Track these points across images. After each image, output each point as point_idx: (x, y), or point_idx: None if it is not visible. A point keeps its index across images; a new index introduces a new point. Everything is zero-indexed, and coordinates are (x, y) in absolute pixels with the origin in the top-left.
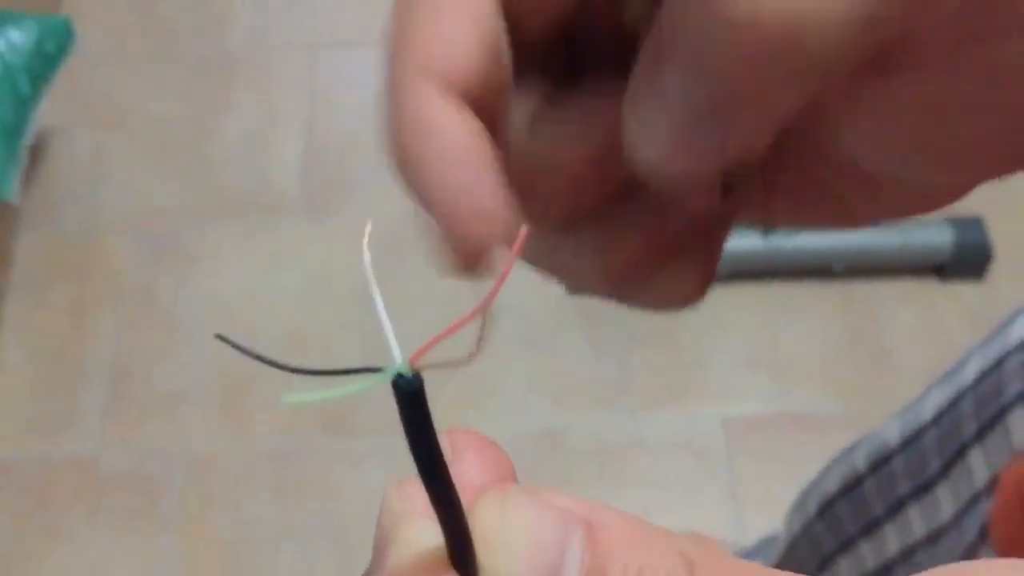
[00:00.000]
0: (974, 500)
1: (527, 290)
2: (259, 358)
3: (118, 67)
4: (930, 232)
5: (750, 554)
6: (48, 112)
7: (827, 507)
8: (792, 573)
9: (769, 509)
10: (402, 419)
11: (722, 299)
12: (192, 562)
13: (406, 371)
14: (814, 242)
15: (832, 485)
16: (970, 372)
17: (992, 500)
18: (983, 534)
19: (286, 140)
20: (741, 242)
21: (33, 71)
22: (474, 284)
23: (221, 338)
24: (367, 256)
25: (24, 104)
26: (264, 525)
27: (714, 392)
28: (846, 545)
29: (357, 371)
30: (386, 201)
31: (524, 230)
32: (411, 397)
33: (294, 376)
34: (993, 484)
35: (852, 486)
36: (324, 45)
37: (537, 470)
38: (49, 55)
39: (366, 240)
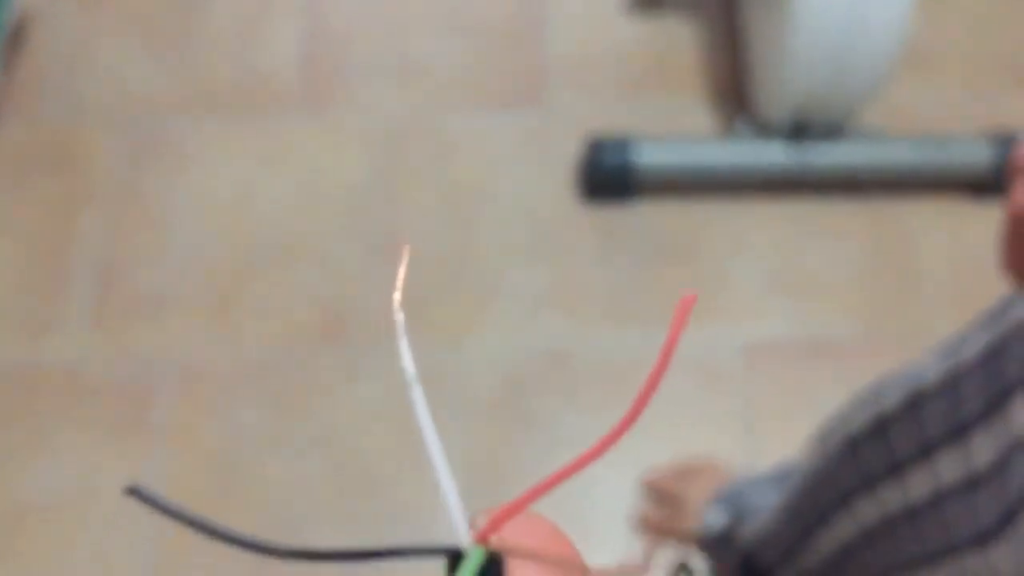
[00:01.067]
0: (1015, 449)
1: (537, 195)
2: (251, 546)
3: None
4: (966, 148)
5: (766, 483)
6: None
7: (852, 446)
8: None
9: (784, 435)
10: None
11: (745, 216)
12: (180, 473)
13: (478, 557)
14: (843, 155)
15: (858, 425)
16: (1017, 314)
17: None
18: None
19: (282, 29)
20: (765, 153)
21: None
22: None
23: (133, 492)
24: (410, 368)
25: None
26: (254, 435)
27: (733, 313)
28: (868, 484)
29: (412, 552)
30: (388, 97)
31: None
32: None
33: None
34: None
35: (880, 426)
36: None
37: (542, 385)
38: None
39: (400, 319)
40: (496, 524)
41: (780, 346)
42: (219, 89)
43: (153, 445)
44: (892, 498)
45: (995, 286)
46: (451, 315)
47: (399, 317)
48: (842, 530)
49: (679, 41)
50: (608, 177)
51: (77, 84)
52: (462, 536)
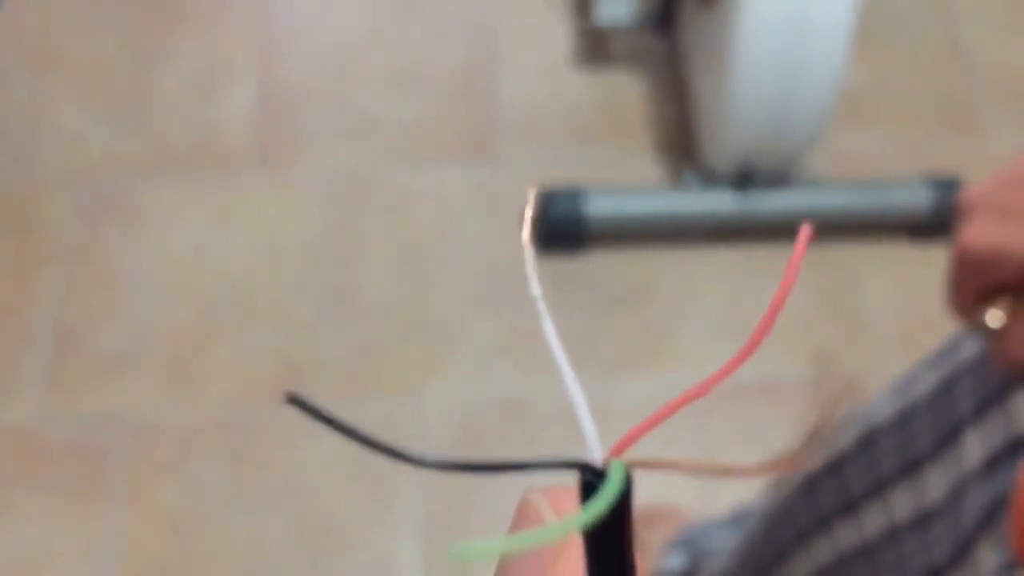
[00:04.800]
0: (967, 483)
1: (491, 247)
2: (390, 451)
3: (56, 8)
4: (906, 193)
5: (724, 526)
6: None
7: (808, 485)
8: None
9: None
10: (590, 536)
11: (693, 262)
12: (139, 535)
13: (620, 473)
14: (787, 202)
15: (814, 463)
16: (966, 352)
17: (990, 486)
18: (982, 525)
19: (235, 87)
20: (713, 202)
21: None
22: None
23: (293, 401)
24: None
25: None
26: (214, 496)
27: (684, 359)
28: (824, 523)
29: (542, 465)
30: (341, 153)
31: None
32: (617, 502)
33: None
34: (990, 469)
35: (834, 464)
36: None
37: (501, 436)
38: None
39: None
40: (629, 441)
41: (731, 390)
42: (174, 149)
43: (112, 506)
44: (847, 536)
45: (939, 327)
46: (408, 367)
47: (528, 250)
48: (799, 569)
49: (626, 93)
50: (559, 228)
51: (32, 146)
52: (596, 452)
